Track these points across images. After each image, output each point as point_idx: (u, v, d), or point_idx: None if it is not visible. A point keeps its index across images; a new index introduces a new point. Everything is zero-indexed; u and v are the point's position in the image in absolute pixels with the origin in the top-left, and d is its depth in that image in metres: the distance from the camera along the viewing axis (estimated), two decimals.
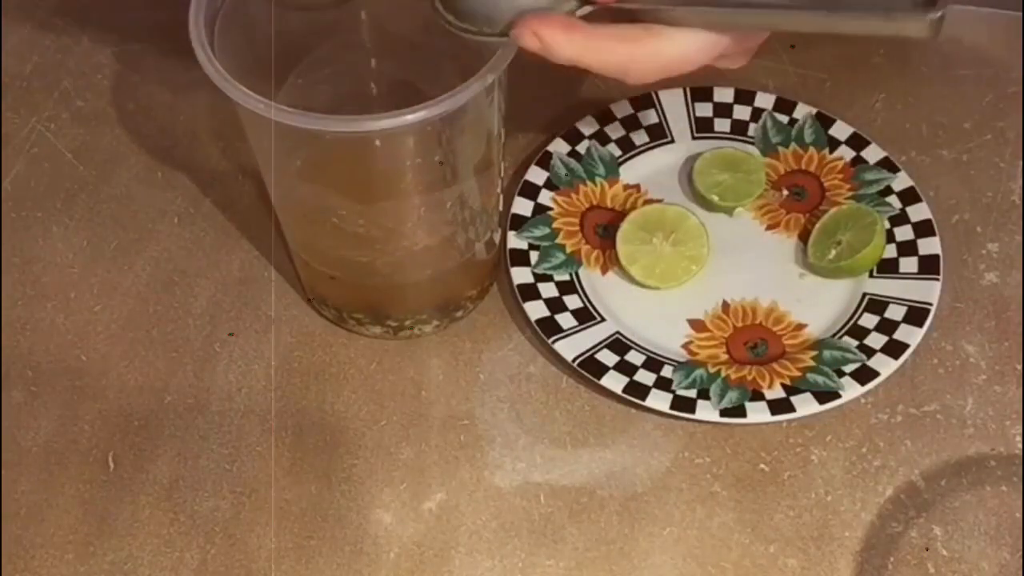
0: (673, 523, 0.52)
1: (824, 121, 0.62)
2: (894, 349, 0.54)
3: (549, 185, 0.61)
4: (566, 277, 0.58)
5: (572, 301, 0.57)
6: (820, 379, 0.54)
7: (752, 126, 0.63)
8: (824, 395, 0.53)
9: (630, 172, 0.62)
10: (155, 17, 0.69)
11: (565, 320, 0.56)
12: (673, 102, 0.63)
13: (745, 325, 0.57)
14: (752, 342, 0.56)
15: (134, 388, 0.56)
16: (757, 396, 0.53)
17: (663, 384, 0.54)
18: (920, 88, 0.66)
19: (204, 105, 0.65)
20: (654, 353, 0.55)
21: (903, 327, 0.55)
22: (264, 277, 0.59)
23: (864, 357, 0.54)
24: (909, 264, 0.57)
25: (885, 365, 0.54)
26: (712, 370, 0.55)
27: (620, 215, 0.60)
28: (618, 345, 0.55)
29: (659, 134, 0.63)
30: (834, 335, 0.56)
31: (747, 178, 0.61)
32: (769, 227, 0.60)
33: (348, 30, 0.54)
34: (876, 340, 0.55)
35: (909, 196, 0.59)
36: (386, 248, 0.51)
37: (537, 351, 0.57)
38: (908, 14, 0.39)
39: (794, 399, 0.53)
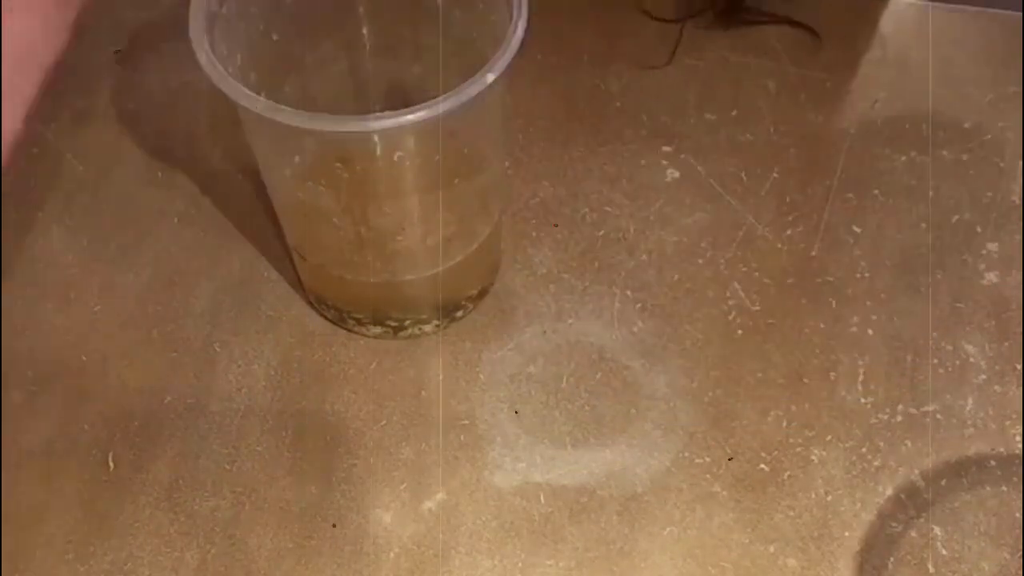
0: (673, 523, 0.52)
1: None
2: None
3: None
4: None
5: None
6: None
7: None
8: None
9: None
10: (155, 17, 0.69)
11: None
12: None
13: None
14: None
15: (134, 388, 0.56)
16: None
17: None
18: (920, 88, 0.66)
19: (204, 105, 0.65)
20: None
21: None
22: (264, 277, 0.59)
23: None
24: None
25: None
26: None
27: None
28: None
29: None
30: None
31: None
32: None
33: (348, 30, 0.54)
34: None
35: None
36: (385, 248, 0.51)
37: (537, 351, 0.57)
38: None
39: None
